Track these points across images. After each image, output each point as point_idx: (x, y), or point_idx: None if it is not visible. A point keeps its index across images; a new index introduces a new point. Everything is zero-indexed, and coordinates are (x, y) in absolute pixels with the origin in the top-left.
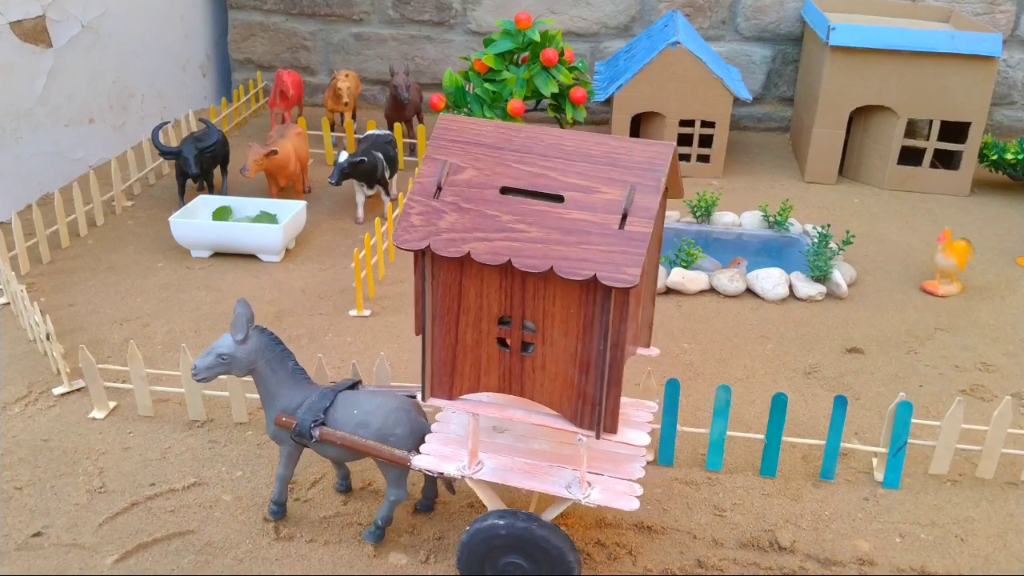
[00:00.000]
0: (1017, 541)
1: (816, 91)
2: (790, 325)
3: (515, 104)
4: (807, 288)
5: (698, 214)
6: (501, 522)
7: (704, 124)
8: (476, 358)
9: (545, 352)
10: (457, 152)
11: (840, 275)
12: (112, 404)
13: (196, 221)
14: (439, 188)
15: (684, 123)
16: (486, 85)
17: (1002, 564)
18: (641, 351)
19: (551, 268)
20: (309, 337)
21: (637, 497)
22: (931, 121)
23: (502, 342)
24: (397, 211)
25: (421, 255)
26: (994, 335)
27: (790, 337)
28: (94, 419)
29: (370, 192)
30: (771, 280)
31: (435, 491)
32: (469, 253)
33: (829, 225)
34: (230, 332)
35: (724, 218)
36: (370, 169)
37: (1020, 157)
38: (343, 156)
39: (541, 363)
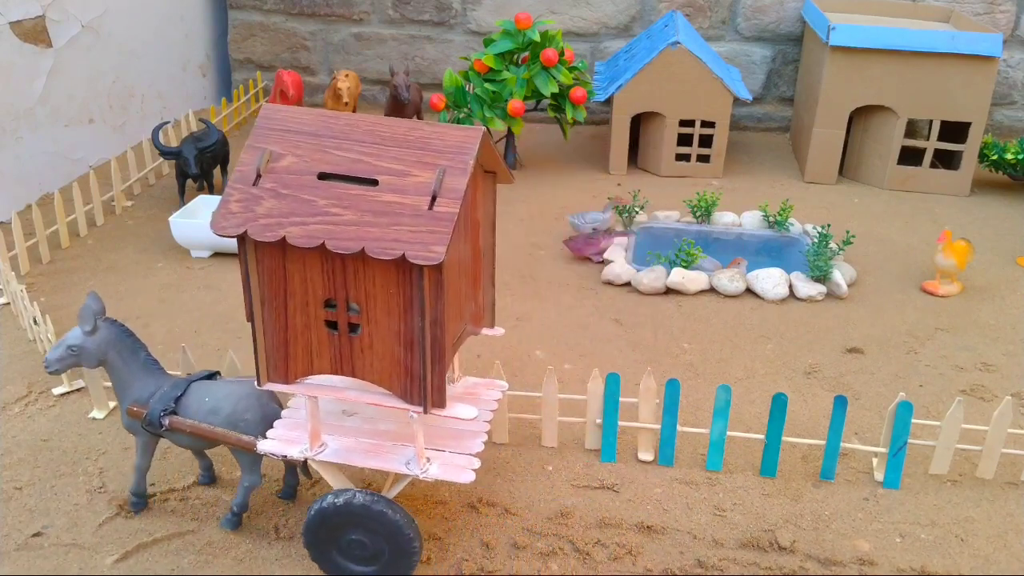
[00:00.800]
0: (1017, 541)
1: (816, 91)
2: (790, 325)
3: (515, 104)
4: (807, 288)
5: (698, 214)
6: (339, 500)
7: (704, 124)
8: (307, 341)
9: (371, 332)
10: (277, 140)
11: (840, 275)
12: (112, 404)
13: (196, 221)
14: (258, 176)
15: (684, 123)
16: (486, 85)
17: (1002, 564)
18: (486, 331)
19: (363, 249)
20: None
21: (474, 470)
22: (931, 121)
23: (331, 324)
24: None
25: (242, 241)
26: (994, 335)
27: (790, 337)
28: (94, 419)
29: None
30: (771, 280)
31: (296, 478)
32: (285, 237)
33: (829, 225)
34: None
35: (724, 218)
36: None
37: (1020, 157)
38: None
39: (368, 343)
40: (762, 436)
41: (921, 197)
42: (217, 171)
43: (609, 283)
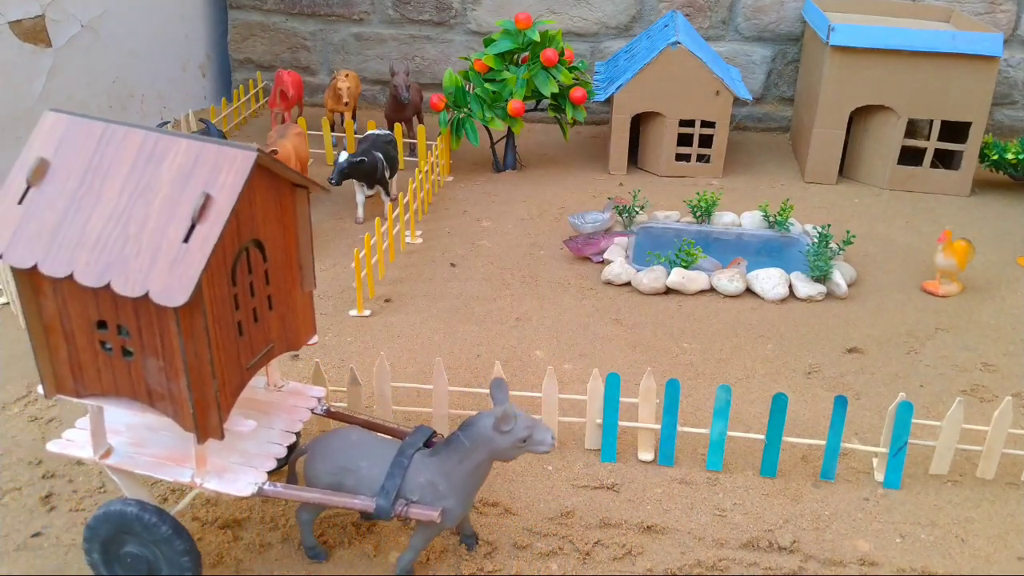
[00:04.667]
0: (1018, 541)
1: (816, 91)
2: (790, 325)
3: (515, 104)
4: (807, 288)
5: (698, 214)
6: (112, 509)
7: (704, 124)
8: (87, 360)
9: (142, 357)
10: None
11: (840, 275)
12: None
13: None
14: (28, 188)
15: (684, 123)
16: (486, 85)
17: (1002, 564)
18: (309, 343)
19: (109, 283)
20: None
21: (256, 484)
22: (931, 121)
23: (109, 345)
24: (397, 211)
25: None
26: (994, 335)
27: (790, 337)
28: None
29: (370, 192)
30: (771, 280)
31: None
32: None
33: (829, 225)
34: None
35: (724, 218)
36: (370, 169)
37: (1021, 157)
38: (343, 156)
39: (141, 368)
40: (762, 436)
41: (921, 197)
42: None
43: (609, 283)
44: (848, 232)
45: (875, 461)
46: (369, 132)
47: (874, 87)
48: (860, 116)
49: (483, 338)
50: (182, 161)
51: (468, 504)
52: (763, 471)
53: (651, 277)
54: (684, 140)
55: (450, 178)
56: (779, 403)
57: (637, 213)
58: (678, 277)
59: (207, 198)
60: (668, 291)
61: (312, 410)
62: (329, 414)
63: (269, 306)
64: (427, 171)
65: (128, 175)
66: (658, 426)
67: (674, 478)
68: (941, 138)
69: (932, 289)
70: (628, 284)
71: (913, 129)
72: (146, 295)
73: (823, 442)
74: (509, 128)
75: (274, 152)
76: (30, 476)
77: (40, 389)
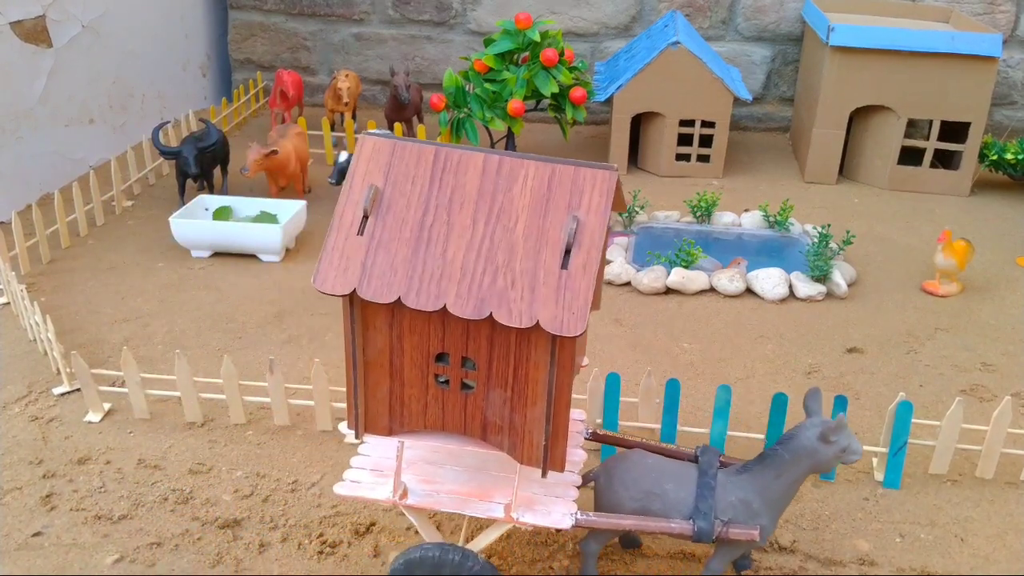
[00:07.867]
0: (1017, 541)
1: (816, 91)
2: (790, 325)
3: (515, 104)
4: (807, 288)
5: (698, 214)
6: (416, 555)
7: (704, 124)
8: (413, 395)
9: (487, 391)
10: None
11: (840, 275)
12: (107, 406)
13: (196, 221)
14: (365, 218)
15: (684, 123)
16: (486, 85)
17: (1002, 564)
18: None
19: (490, 315)
20: (309, 337)
21: (572, 514)
22: (931, 121)
23: (444, 379)
24: None
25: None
26: (994, 335)
27: (790, 337)
28: (90, 422)
29: None
30: (771, 280)
31: None
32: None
33: (829, 225)
34: None
35: (724, 218)
36: None
37: (1020, 157)
38: (343, 156)
39: (483, 403)
40: (762, 436)
41: (921, 197)
42: (217, 171)
43: (609, 283)
44: (848, 232)
45: (875, 461)
46: (369, 132)
47: (874, 87)
48: (860, 116)
49: None
50: (534, 184)
51: (777, 522)
52: None
53: (651, 277)
54: (684, 140)
55: None
56: (779, 403)
57: (637, 213)
58: (678, 277)
59: (578, 222)
60: (668, 291)
61: (579, 433)
62: (595, 437)
63: None
64: None
65: (477, 201)
66: (658, 426)
67: None
68: (941, 138)
69: (932, 289)
70: (628, 284)
71: (913, 129)
72: (535, 326)
73: None
74: (509, 128)
75: (274, 152)
76: (30, 476)
77: (344, 427)
